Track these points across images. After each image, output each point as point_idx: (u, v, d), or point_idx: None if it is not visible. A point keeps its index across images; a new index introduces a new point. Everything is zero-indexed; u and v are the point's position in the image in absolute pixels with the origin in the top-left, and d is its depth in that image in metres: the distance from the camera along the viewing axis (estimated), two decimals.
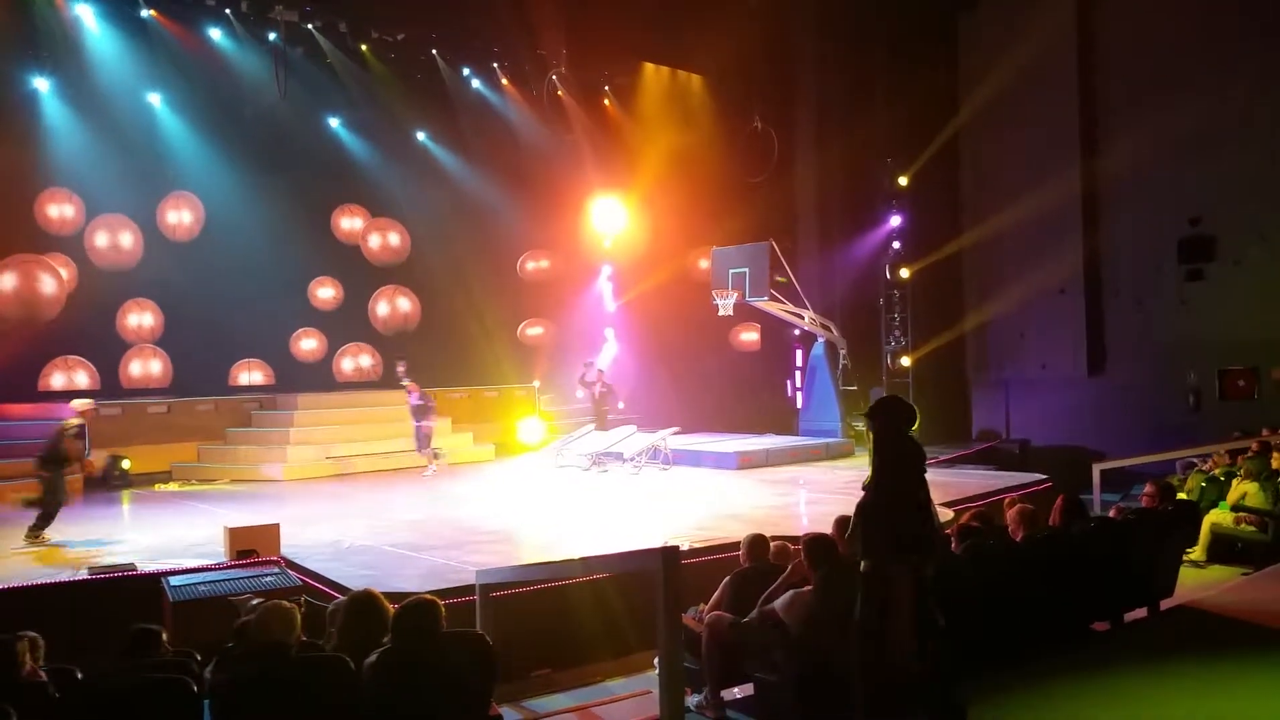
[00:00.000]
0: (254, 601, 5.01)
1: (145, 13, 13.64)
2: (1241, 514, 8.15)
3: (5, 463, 11.82)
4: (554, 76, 16.84)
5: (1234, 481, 8.58)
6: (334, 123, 16.54)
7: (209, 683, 3.72)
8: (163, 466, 13.21)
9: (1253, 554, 7.99)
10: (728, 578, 5.29)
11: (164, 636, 4.61)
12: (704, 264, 17.23)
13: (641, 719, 5.11)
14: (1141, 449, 12.51)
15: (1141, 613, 5.83)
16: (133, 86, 14.00)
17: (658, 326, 18.39)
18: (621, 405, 16.92)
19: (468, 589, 6.24)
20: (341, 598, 5.72)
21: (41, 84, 13.43)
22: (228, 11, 14.17)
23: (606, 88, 18.12)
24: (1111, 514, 6.60)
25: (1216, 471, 9.49)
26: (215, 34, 14.32)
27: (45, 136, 13.54)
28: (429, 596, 3.83)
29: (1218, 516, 8.31)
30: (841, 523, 5.37)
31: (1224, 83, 14.11)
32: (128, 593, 6.67)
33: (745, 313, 16.90)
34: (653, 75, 18.40)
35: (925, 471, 4.36)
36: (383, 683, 3.55)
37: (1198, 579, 7.36)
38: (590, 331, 18.89)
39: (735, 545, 6.54)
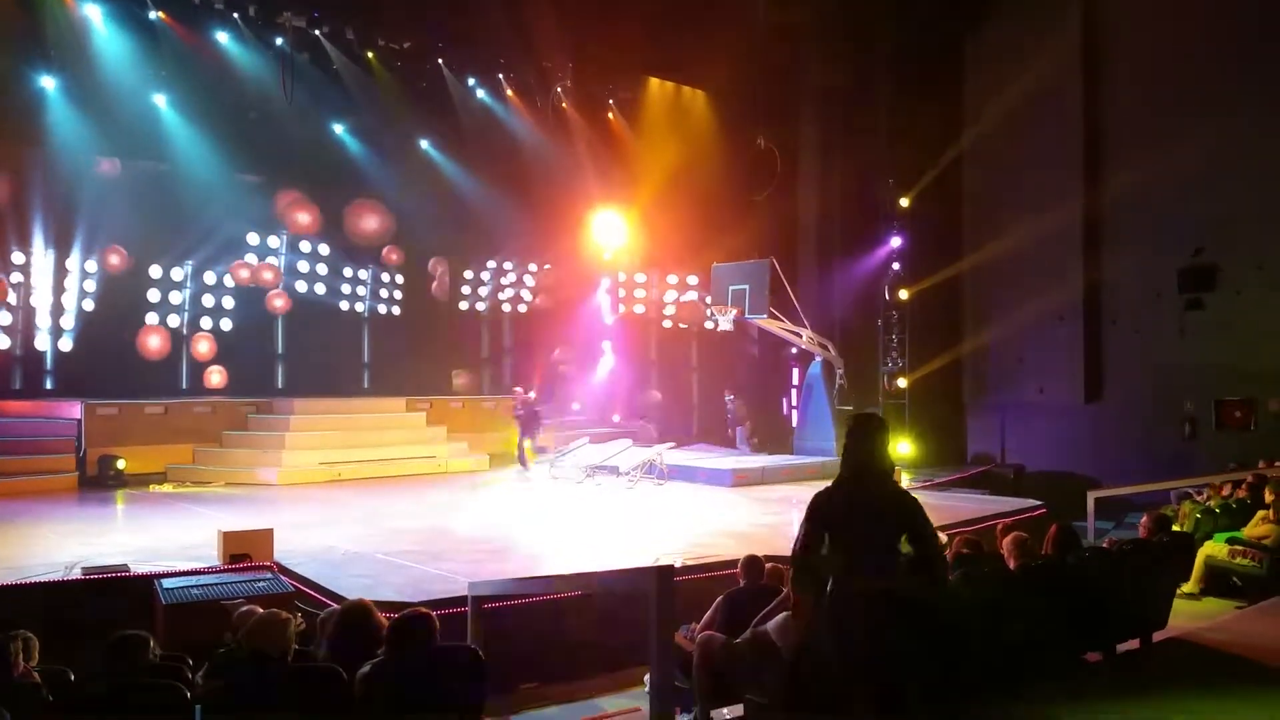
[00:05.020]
0: (245, 607, 4.98)
1: (153, 14, 13.73)
2: (1237, 547, 8.09)
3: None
4: (559, 89, 16.93)
5: (1260, 514, 8.37)
6: (338, 128, 16.59)
7: (201, 688, 3.71)
8: (158, 468, 13.15)
9: (1247, 588, 7.96)
10: (720, 597, 5.28)
11: (150, 643, 4.55)
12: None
13: None
14: (1136, 477, 12.48)
15: (1134, 644, 5.83)
16: (139, 87, 14.03)
17: (654, 340, 18.39)
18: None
19: (460, 600, 6.23)
20: (333, 605, 5.72)
21: (48, 82, 13.46)
22: (236, 16, 14.27)
23: (611, 101, 18.21)
24: (1105, 544, 6.59)
25: (1213, 504, 9.42)
26: (223, 37, 14.40)
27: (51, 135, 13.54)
28: (423, 609, 3.83)
29: (1212, 549, 8.26)
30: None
31: (1229, 113, 14.14)
32: (120, 594, 6.64)
33: (742, 329, 16.92)
34: (657, 90, 18.51)
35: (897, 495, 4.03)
36: (375, 694, 3.55)
37: (1191, 611, 7.33)
38: (588, 343, 18.91)
39: (728, 563, 6.54)
